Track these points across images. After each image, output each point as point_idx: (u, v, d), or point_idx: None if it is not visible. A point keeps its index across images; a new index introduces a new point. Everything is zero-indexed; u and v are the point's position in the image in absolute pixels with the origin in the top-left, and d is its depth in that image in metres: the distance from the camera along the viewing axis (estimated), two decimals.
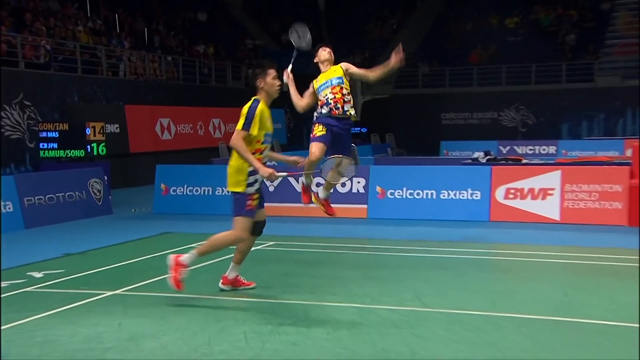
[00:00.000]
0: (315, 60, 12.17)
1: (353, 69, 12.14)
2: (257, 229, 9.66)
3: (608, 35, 44.64)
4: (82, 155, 21.16)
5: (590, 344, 7.53)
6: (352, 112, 11.99)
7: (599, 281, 10.53)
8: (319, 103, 11.89)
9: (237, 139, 9.07)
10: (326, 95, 11.83)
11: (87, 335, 7.86)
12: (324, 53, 12.05)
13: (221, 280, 9.80)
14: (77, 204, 17.20)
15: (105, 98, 27.31)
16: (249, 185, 9.18)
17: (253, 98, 9.36)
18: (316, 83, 12.01)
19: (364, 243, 13.70)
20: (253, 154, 9.11)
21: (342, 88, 11.87)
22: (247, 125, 9.07)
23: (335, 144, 11.63)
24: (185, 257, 9.09)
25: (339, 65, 12.07)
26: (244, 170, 9.15)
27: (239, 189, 9.21)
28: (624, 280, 10.65)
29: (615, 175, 16.19)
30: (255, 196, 9.30)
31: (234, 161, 9.26)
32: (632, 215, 15.59)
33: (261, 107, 9.25)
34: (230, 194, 9.47)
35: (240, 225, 9.20)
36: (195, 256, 9.21)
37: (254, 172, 9.13)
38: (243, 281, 9.89)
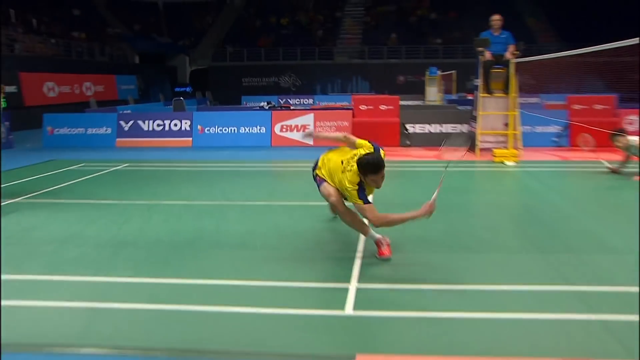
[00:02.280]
0: None
1: None
2: None
3: (340, 31, 45.42)
4: None
5: (323, 216, 7.68)
6: None
7: None
8: None
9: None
10: None
11: None
12: None
13: None
14: None
15: (5, 68, 25.64)
16: None
17: None
18: None
19: (189, 163, 13.43)
20: None
21: None
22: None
23: None
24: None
25: None
26: None
27: None
28: None
29: (345, 116, 16.61)
30: None
31: None
32: None
33: None
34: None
35: None
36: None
37: None
38: None
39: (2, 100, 17.53)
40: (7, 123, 17.10)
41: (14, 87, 24.68)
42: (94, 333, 4.37)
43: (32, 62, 27.99)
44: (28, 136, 19.74)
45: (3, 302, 4.93)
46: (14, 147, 16.97)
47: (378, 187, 6.01)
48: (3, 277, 5.52)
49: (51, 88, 28.24)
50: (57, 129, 17.52)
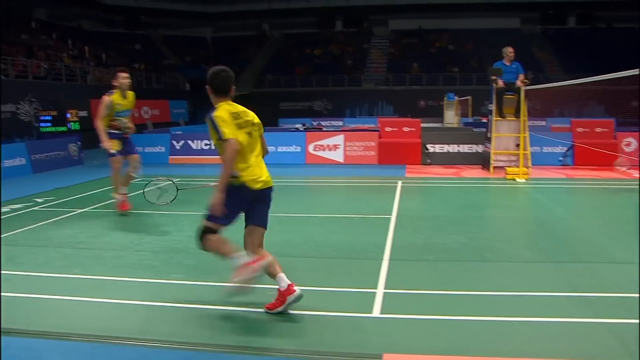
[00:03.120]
0: None
1: None
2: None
3: (368, 61, 45.47)
4: (65, 130, 20.57)
5: (357, 228, 7.71)
6: None
7: (363, 194, 10.77)
8: None
9: (100, 125, 8.82)
10: None
11: (69, 234, 7.60)
12: None
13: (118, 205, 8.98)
14: (63, 158, 16.47)
15: (78, 95, 26.21)
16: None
17: (114, 91, 9.00)
18: None
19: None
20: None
21: None
22: (104, 110, 8.86)
23: None
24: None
25: None
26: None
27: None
28: (376, 193, 10.95)
29: (371, 137, 16.56)
30: (115, 143, 8.87)
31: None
32: (380, 158, 16.03)
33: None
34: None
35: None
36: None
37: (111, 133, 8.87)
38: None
39: (74, 123, 17.96)
40: (78, 143, 17.46)
41: (85, 111, 25.19)
42: (151, 329, 4.42)
43: (101, 90, 28.47)
44: (95, 154, 20.01)
45: (78, 298, 5.04)
46: (84, 164, 17.28)
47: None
48: (79, 275, 5.66)
49: None
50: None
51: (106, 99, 8.83)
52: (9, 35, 28.62)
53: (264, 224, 4.99)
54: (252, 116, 4.89)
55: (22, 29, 31.46)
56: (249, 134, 4.74)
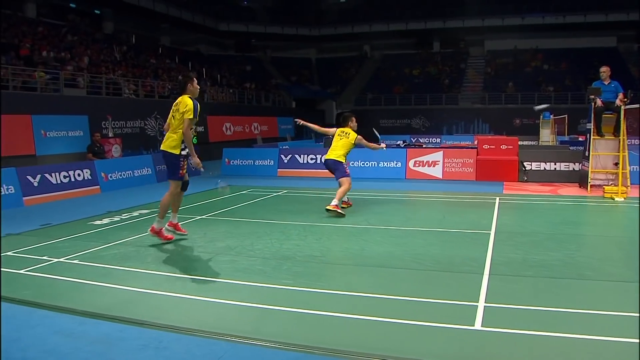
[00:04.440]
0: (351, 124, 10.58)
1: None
2: (184, 187, 7.92)
3: (464, 80, 44.58)
4: None
5: (456, 242, 7.54)
6: None
7: (462, 209, 10.53)
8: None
9: (188, 131, 7.33)
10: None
11: (191, 239, 7.90)
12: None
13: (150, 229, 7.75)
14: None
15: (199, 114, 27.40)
16: (182, 150, 7.44)
17: (187, 96, 7.42)
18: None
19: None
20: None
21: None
22: (195, 114, 7.27)
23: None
24: (157, 225, 7.58)
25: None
26: (177, 139, 7.41)
27: (177, 152, 7.43)
28: (475, 208, 10.67)
29: (469, 154, 16.16)
30: (185, 164, 7.58)
31: (171, 133, 7.51)
32: (478, 175, 15.62)
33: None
34: (168, 155, 7.52)
35: (175, 185, 7.58)
36: (161, 221, 7.61)
37: (185, 148, 7.45)
38: (180, 228, 7.99)
39: (194, 137, 18.76)
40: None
41: (202, 127, 26.35)
42: (263, 329, 4.53)
43: (216, 108, 29.74)
44: (211, 166, 20.80)
45: (197, 297, 5.25)
46: (200, 174, 17.99)
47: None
48: (197, 277, 5.91)
49: (228, 128, 29.75)
50: (232, 160, 18.45)
51: (194, 102, 7.41)
52: (139, 60, 30.52)
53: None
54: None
55: (151, 54, 33.47)
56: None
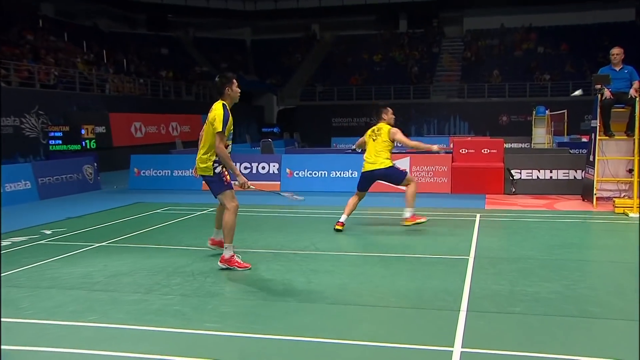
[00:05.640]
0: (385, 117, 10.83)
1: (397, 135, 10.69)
2: None
3: (437, 68, 45.43)
4: (79, 148, 21.16)
5: (427, 271, 7.62)
6: None
7: (434, 230, 10.65)
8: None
9: (221, 146, 7.67)
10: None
11: (81, 273, 7.77)
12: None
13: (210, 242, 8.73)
14: (76, 182, 16.99)
15: (95, 108, 27.01)
16: (215, 168, 7.85)
17: (221, 102, 7.86)
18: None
19: (277, 208, 13.56)
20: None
21: None
22: (224, 127, 7.61)
23: None
24: (226, 252, 7.89)
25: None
26: (209, 158, 7.83)
27: (210, 173, 7.90)
28: (450, 228, 10.83)
29: (443, 160, 16.47)
30: (226, 172, 7.94)
31: (202, 152, 7.96)
32: (454, 186, 15.92)
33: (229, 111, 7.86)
34: (204, 179, 8.12)
35: (229, 197, 7.94)
36: (230, 247, 7.90)
37: (217, 161, 7.83)
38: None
39: (90, 141, 18.48)
40: (95, 164, 18.00)
41: (103, 127, 25.91)
42: None
43: (121, 102, 29.41)
44: (115, 177, 20.59)
45: (91, 351, 5.12)
46: (101, 189, 17.77)
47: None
48: (91, 324, 5.77)
49: (138, 128, 29.59)
50: (143, 171, 18.29)
51: (225, 111, 7.84)
52: (10, 35, 29.49)
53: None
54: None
55: (27, 28, 32.42)
56: None
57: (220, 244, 8.35)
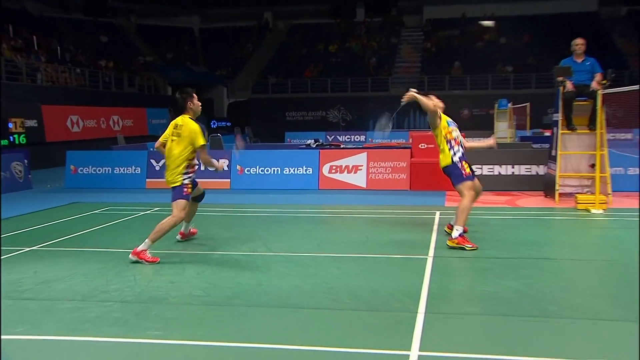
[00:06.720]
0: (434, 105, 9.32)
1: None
2: (200, 198, 9.47)
3: (397, 59, 45.69)
4: (6, 144, 20.62)
5: (383, 272, 7.66)
6: None
7: (391, 228, 10.72)
8: (454, 142, 9.57)
9: (206, 157, 8.72)
10: (459, 137, 9.64)
11: (9, 281, 7.54)
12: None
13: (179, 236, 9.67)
14: (3, 181, 16.40)
15: (26, 100, 26.42)
16: (184, 180, 8.54)
17: (187, 116, 8.71)
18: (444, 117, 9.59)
19: (227, 207, 13.51)
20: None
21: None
22: (206, 139, 8.66)
23: None
24: (142, 246, 8.38)
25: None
26: (180, 172, 8.52)
27: (178, 184, 8.54)
28: (408, 226, 10.91)
29: (402, 156, 16.56)
30: (190, 185, 8.64)
31: (174, 166, 8.57)
32: (413, 183, 16.04)
33: None
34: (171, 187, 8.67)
35: (179, 207, 8.49)
36: (148, 244, 8.42)
37: (187, 173, 8.61)
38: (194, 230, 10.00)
39: (20, 136, 18.15)
40: (25, 161, 17.58)
41: (35, 121, 25.36)
42: None
43: (56, 93, 28.88)
44: (49, 175, 20.22)
45: None
46: (33, 188, 17.41)
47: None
48: (18, 337, 5.63)
49: (75, 122, 29.06)
50: (80, 168, 17.96)
51: (196, 122, 8.77)
52: None
53: None
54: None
55: None
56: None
57: (191, 234, 9.86)
